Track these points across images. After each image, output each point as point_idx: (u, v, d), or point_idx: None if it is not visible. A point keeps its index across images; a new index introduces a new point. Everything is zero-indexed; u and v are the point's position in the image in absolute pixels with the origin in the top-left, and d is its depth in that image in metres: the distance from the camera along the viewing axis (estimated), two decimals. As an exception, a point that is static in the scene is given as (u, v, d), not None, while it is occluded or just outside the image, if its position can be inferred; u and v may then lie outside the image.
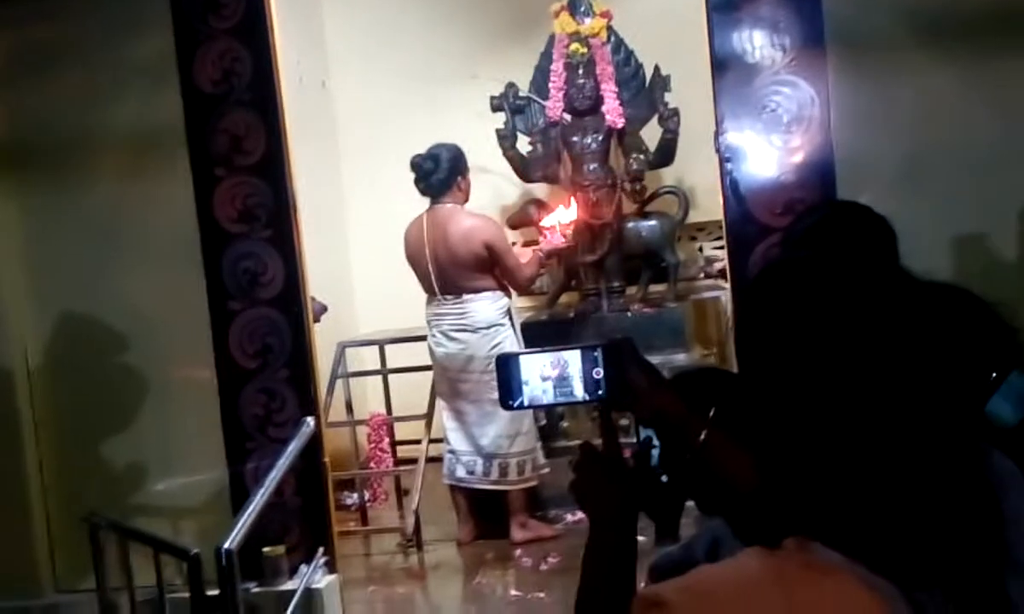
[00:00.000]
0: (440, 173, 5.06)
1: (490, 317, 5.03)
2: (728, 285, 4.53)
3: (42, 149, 4.28)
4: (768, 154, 3.75)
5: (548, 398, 1.46)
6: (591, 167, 5.78)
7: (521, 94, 5.93)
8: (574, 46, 5.74)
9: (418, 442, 5.65)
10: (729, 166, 3.78)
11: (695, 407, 1.45)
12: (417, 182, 5.11)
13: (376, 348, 6.05)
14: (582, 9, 5.79)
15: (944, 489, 1.00)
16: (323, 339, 4.75)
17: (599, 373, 1.43)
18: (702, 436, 1.41)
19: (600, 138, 5.78)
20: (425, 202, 5.15)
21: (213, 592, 3.11)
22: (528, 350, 1.51)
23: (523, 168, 5.95)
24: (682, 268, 6.03)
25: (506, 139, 5.88)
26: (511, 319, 5.13)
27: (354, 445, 5.92)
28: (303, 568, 4.03)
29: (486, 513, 5.20)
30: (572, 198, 5.53)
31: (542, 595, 4.52)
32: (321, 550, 4.10)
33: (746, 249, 3.77)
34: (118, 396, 4.26)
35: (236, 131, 4.07)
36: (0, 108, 4.29)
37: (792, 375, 1.05)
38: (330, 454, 4.36)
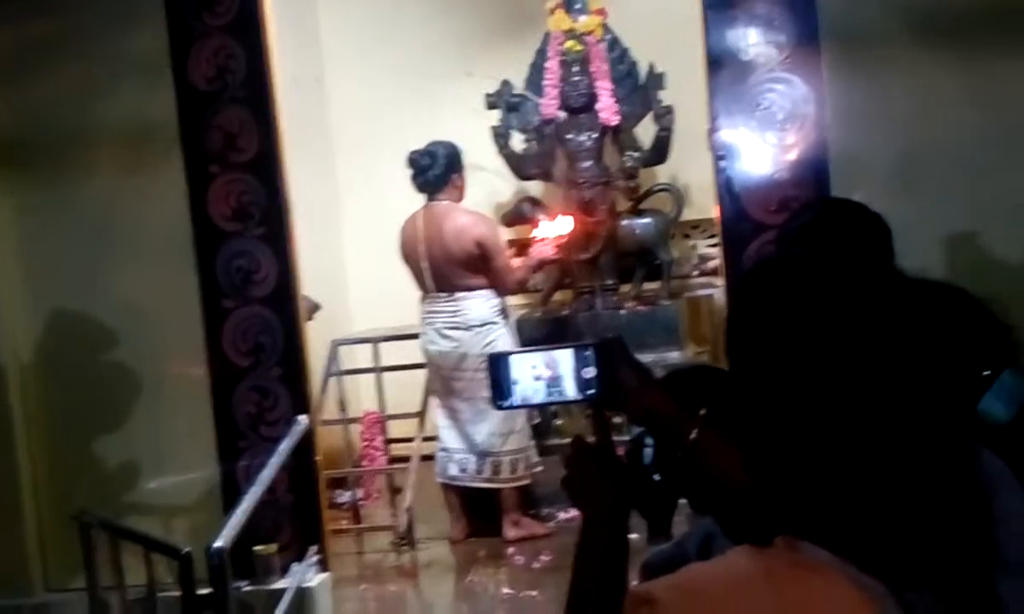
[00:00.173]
0: (436, 169, 5.05)
1: (483, 315, 5.02)
2: (722, 282, 4.53)
3: (35, 145, 4.27)
4: (762, 152, 3.75)
5: (539, 398, 1.46)
6: (585, 164, 5.77)
7: (516, 91, 5.93)
8: (569, 43, 5.73)
9: (411, 440, 5.64)
10: (723, 164, 3.78)
11: (686, 406, 1.45)
12: (413, 178, 5.11)
13: (369, 346, 6.03)
14: (577, 6, 5.79)
15: (934, 488, 0.99)
16: (316, 337, 4.74)
17: (590, 372, 1.43)
18: (693, 435, 1.41)
19: (595, 135, 5.78)
20: (420, 199, 5.14)
21: (204, 591, 3.11)
22: (519, 350, 1.50)
23: (518, 165, 5.95)
24: (676, 266, 6.03)
25: (501, 136, 5.88)
26: (505, 317, 5.12)
27: (347, 443, 5.91)
28: (295, 567, 4.02)
29: (479, 511, 5.20)
30: (570, 215, 5.51)
31: (535, 593, 4.52)
32: (313, 548, 4.10)
33: (740, 247, 3.77)
34: (110, 394, 4.25)
35: (230, 128, 4.06)
36: (-7, 104, 4.28)
37: (782, 373, 1.05)
38: (323, 452, 4.36)
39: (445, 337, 5.06)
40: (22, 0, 4.21)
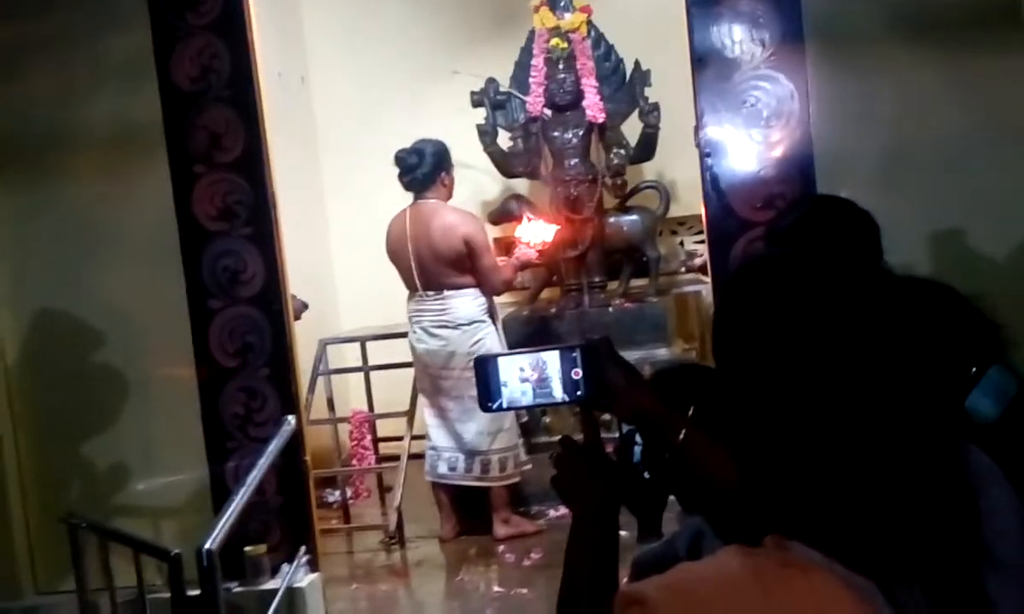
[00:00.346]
0: (424, 168, 5.04)
1: (471, 313, 5.02)
2: (709, 279, 4.54)
3: (19, 146, 4.25)
4: (748, 149, 3.76)
5: (527, 399, 1.46)
6: (572, 162, 5.78)
7: (502, 89, 5.93)
8: (554, 41, 5.74)
9: (400, 439, 5.64)
10: (709, 161, 3.79)
11: (674, 405, 1.45)
12: (401, 176, 5.10)
13: (358, 345, 6.03)
14: (562, 4, 5.80)
15: (922, 486, 1.00)
16: (304, 336, 4.73)
17: (578, 373, 1.43)
18: (681, 435, 1.41)
19: (581, 133, 5.79)
20: (407, 197, 5.13)
21: (194, 592, 3.10)
22: (506, 352, 1.50)
23: (504, 163, 5.95)
24: (663, 262, 6.04)
25: (487, 134, 5.88)
26: (492, 315, 5.12)
27: (336, 442, 5.91)
28: (285, 567, 4.01)
29: (469, 509, 5.20)
30: (554, 223, 5.52)
31: (525, 591, 4.52)
32: (303, 549, 4.09)
33: (727, 243, 3.78)
34: (97, 395, 4.24)
35: (215, 128, 4.05)
36: (-24, 105, 4.26)
37: (769, 372, 1.05)
38: (312, 452, 4.35)
39: (432, 336, 5.06)
40: (3, 2, 4.18)
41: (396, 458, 5.55)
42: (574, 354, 1.43)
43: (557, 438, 1.51)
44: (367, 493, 6.06)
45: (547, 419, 5.45)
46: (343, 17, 6.91)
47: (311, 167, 6.91)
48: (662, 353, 5.50)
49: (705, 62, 3.77)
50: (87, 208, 4.19)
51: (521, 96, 5.86)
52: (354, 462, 5.97)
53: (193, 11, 4.03)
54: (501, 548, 5.00)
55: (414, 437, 5.56)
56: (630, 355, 4.81)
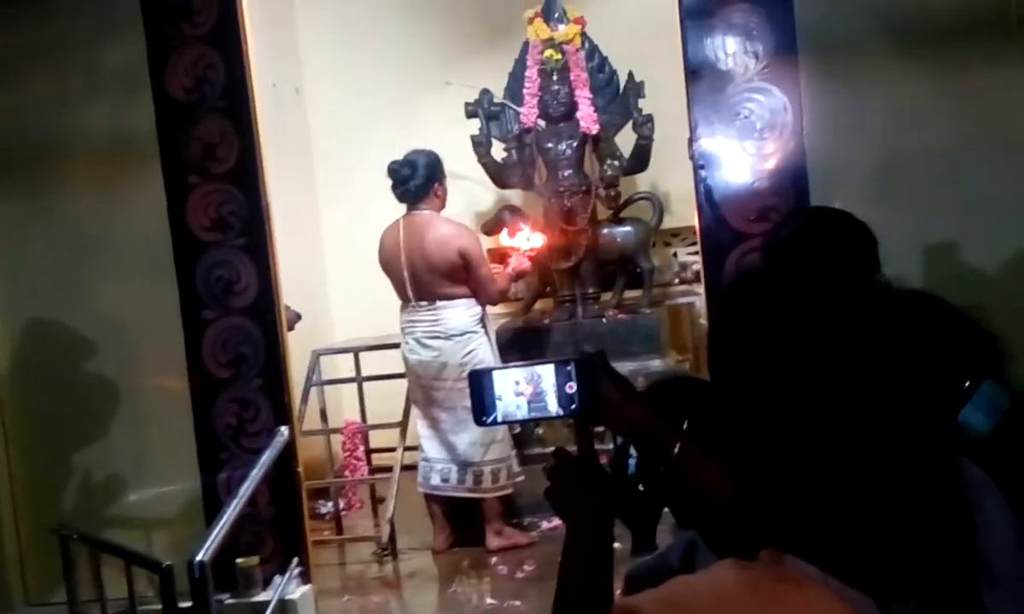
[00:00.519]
0: (417, 179, 5.04)
1: (463, 324, 5.02)
2: (702, 290, 4.54)
3: (13, 156, 4.24)
4: (741, 161, 3.77)
5: (522, 413, 1.46)
6: (566, 173, 5.79)
7: (495, 101, 5.94)
8: (548, 52, 5.75)
9: (393, 450, 5.63)
10: (703, 172, 3.80)
11: (669, 419, 1.45)
12: (394, 188, 5.10)
13: (351, 356, 6.02)
14: (556, 16, 5.81)
15: (917, 500, 1.00)
16: (297, 347, 4.73)
17: (573, 387, 1.43)
18: (676, 449, 1.41)
19: (574, 144, 5.79)
20: (401, 208, 5.13)
21: (186, 604, 3.09)
22: (501, 366, 1.50)
23: (498, 174, 5.95)
24: (657, 274, 6.04)
25: (481, 145, 5.88)
26: (485, 326, 5.12)
27: (329, 453, 5.89)
28: (277, 579, 4.00)
29: (462, 521, 5.19)
30: (541, 231, 5.54)
31: (518, 603, 4.51)
32: (295, 560, 4.08)
33: (720, 255, 3.78)
34: (90, 406, 4.23)
35: (209, 138, 4.05)
36: (-31, 115, 4.25)
37: (765, 386, 1.05)
38: (304, 463, 4.34)
39: (425, 346, 5.06)
40: (-2, 11, 4.18)
41: (389, 469, 5.54)
42: (569, 368, 1.43)
43: (550, 450, 1.51)
44: (360, 504, 6.04)
45: (540, 430, 5.45)
46: (337, 28, 6.91)
47: (305, 178, 6.91)
48: (656, 364, 5.50)
49: (699, 74, 3.78)
50: (80, 218, 4.18)
51: (515, 107, 5.87)
52: (347, 473, 5.96)
53: (188, 22, 4.03)
54: (494, 560, 4.99)
55: (407, 448, 5.55)
56: (624, 366, 4.83)
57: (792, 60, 3.71)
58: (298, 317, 4.95)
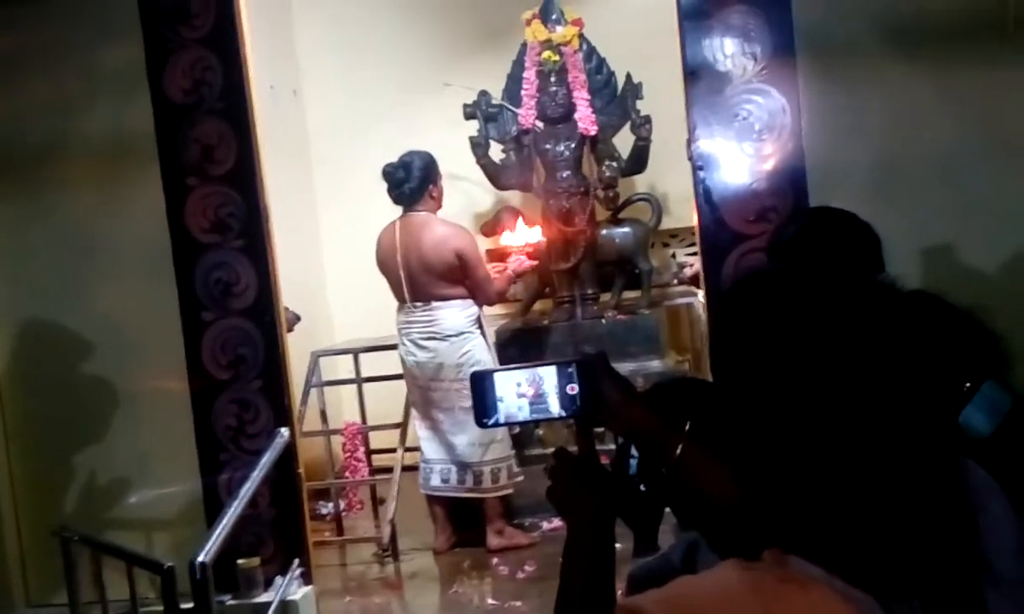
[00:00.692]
0: (412, 181, 5.04)
1: (459, 325, 5.02)
2: (701, 291, 4.55)
3: (12, 158, 4.24)
4: (740, 162, 3.77)
5: (523, 415, 1.46)
6: (564, 175, 5.79)
7: (494, 102, 5.94)
8: (546, 54, 5.75)
9: (393, 451, 5.63)
10: (701, 174, 3.80)
11: (670, 420, 1.46)
12: (389, 191, 5.10)
13: (350, 357, 6.02)
14: (554, 17, 5.81)
15: (920, 501, 1.00)
16: (297, 348, 4.73)
17: (574, 389, 1.43)
18: (678, 450, 1.41)
19: (573, 145, 5.80)
20: (399, 209, 5.13)
21: (187, 605, 3.09)
22: (502, 367, 1.50)
23: (496, 176, 5.96)
24: (655, 275, 6.05)
25: (479, 147, 5.89)
26: (481, 327, 5.12)
27: (329, 454, 5.90)
28: (278, 580, 4.01)
29: (463, 521, 5.19)
30: (538, 225, 5.55)
31: (519, 603, 4.51)
32: (296, 561, 4.08)
33: (719, 256, 3.79)
34: (90, 408, 4.22)
35: (207, 140, 4.05)
36: (-33, 117, 4.25)
37: (767, 387, 1.05)
38: (305, 464, 4.34)
39: (421, 347, 5.06)
40: (-4, 14, 4.19)
41: (389, 470, 5.54)
42: (570, 369, 1.44)
43: (550, 450, 1.51)
44: (360, 505, 6.04)
45: (540, 431, 5.45)
46: (335, 30, 6.92)
47: (303, 179, 6.91)
48: (655, 365, 5.51)
49: (697, 75, 3.79)
50: (80, 220, 4.18)
51: (513, 109, 5.87)
52: (347, 474, 5.96)
53: (186, 24, 4.03)
54: (495, 560, 5.00)
55: (407, 449, 5.55)
56: (623, 367, 4.83)
57: (790, 61, 3.72)
58: (297, 318, 4.96)
